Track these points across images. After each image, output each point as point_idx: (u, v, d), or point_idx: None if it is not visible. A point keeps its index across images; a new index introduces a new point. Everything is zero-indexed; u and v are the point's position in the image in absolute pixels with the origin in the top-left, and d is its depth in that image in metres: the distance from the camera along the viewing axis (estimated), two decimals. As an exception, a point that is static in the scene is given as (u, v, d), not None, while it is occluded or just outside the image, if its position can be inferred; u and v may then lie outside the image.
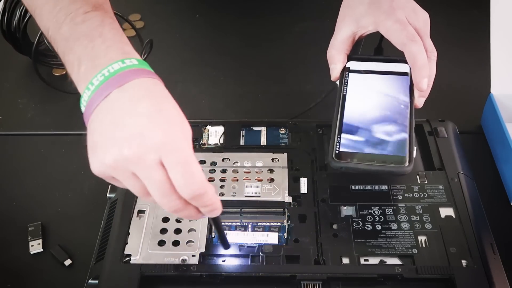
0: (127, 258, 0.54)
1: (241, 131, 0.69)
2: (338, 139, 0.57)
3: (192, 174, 0.45)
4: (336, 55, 0.63)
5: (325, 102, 0.72)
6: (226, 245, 0.54)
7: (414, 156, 0.57)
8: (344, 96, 0.61)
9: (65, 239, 0.63)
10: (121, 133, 0.45)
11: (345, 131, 0.58)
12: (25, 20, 0.80)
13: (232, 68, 0.86)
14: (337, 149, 0.56)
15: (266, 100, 0.81)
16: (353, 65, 0.64)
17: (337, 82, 0.64)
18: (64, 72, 0.86)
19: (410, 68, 0.61)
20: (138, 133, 0.44)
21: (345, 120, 0.59)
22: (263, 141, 0.68)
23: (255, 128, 0.69)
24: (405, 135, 0.57)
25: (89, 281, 0.54)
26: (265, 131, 0.69)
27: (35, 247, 0.62)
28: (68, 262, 0.60)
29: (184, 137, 0.46)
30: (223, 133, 0.68)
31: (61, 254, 0.61)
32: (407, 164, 0.55)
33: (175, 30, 0.94)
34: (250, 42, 0.92)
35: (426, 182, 0.61)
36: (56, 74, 0.86)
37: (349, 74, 0.63)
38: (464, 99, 0.79)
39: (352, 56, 0.64)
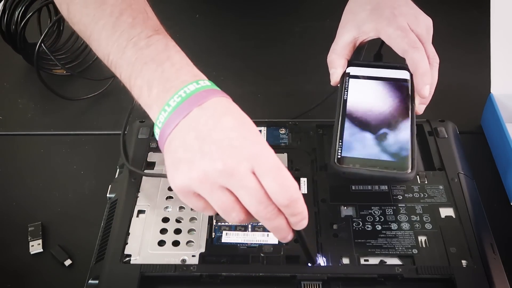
0: (127, 258, 0.54)
1: (241, 131, 0.68)
2: (340, 143, 0.57)
3: (286, 179, 0.46)
4: (337, 60, 0.63)
5: (325, 104, 0.72)
6: (311, 260, 0.53)
7: None
8: (345, 101, 0.61)
9: (65, 239, 0.63)
10: (210, 147, 0.46)
11: (346, 136, 0.58)
12: (24, 21, 0.80)
13: (232, 68, 0.86)
14: (339, 154, 0.56)
15: (266, 100, 0.81)
16: (353, 70, 0.64)
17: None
18: (64, 72, 0.86)
19: (411, 75, 0.61)
20: (228, 145, 0.46)
21: (346, 125, 0.59)
22: (263, 141, 0.68)
23: (255, 128, 0.69)
24: (408, 141, 0.57)
25: (89, 281, 0.54)
26: (265, 131, 0.69)
27: (35, 247, 0.62)
28: (68, 262, 0.60)
29: (268, 146, 0.47)
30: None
31: (61, 254, 0.61)
32: (409, 170, 0.55)
33: (175, 30, 0.93)
34: (250, 42, 0.92)
35: (426, 182, 0.61)
36: (56, 73, 0.85)
37: (349, 79, 0.63)
38: (464, 99, 0.79)
39: (353, 61, 0.64)
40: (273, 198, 0.46)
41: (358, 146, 0.57)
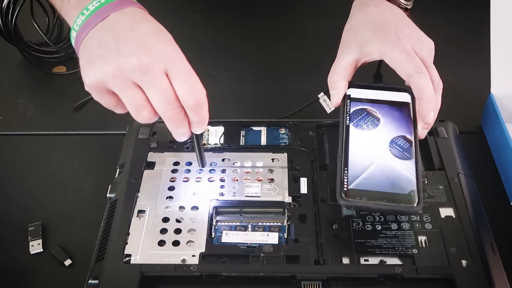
0: (127, 258, 0.54)
1: (241, 131, 0.69)
2: (346, 174, 0.55)
3: (196, 83, 0.50)
4: (338, 81, 0.62)
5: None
6: (202, 164, 0.59)
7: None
8: (348, 127, 0.59)
9: (65, 239, 0.63)
10: (127, 45, 0.49)
11: (351, 166, 0.56)
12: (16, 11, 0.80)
13: (232, 68, 0.86)
14: (345, 186, 0.55)
15: (266, 100, 0.81)
16: (354, 92, 0.62)
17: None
18: (64, 70, 0.86)
19: (413, 99, 0.60)
20: (145, 46, 0.49)
21: (350, 154, 0.57)
22: (263, 141, 0.68)
23: (255, 128, 0.69)
24: (413, 171, 0.55)
25: (89, 281, 0.54)
26: (265, 131, 0.69)
27: (35, 247, 0.62)
28: (68, 262, 0.60)
29: (182, 54, 0.51)
30: (223, 133, 0.68)
31: (61, 254, 0.61)
32: (415, 204, 0.53)
33: (175, 30, 0.93)
34: (250, 42, 0.92)
35: (426, 182, 0.61)
36: (56, 72, 0.86)
37: (351, 103, 0.61)
38: (464, 99, 0.79)
39: (353, 82, 0.63)
40: (182, 100, 0.50)
41: (363, 177, 0.55)
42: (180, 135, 0.53)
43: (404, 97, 0.61)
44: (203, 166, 0.60)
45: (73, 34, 0.53)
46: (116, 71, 0.49)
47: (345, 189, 0.54)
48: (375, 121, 0.60)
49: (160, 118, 0.52)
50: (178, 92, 0.49)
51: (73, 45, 0.53)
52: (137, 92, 0.49)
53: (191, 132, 0.53)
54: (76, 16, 0.51)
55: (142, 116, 0.51)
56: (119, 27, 0.50)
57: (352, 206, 0.55)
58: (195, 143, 0.57)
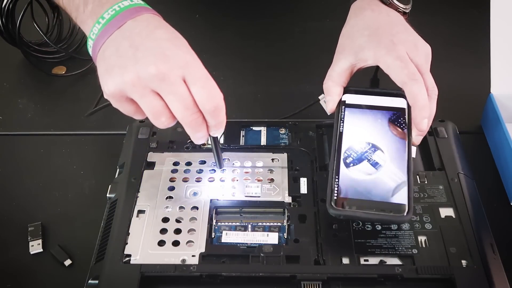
0: (127, 258, 0.54)
1: (241, 131, 0.69)
2: (336, 182, 0.55)
3: (214, 88, 0.51)
4: (333, 87, 0.62)
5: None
6: (220, 165, 0.61)
7: (414, 156, 0.56)
8: (341, 134, 0.59)
9: (65, 239, 0.63)
10: (143, 53, 0.49)
11: (342, 175, 0.56)
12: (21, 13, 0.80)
13: (232, 68, 0.86)
14: (335, 195, 0.54)
15: (266, 100, 0.81)
16: (349, 98, 0.62)
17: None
18: (64, 71, 0.86)
19: (408, 104, 0.59)
20: (161, 53, 0.49)
21: (342, 162, 0.57)
22: (263, 141, 0.68)
23: (255, 128, 0.69)
24: (404, 181, 0.55)
25: (89, 281, 0.54)
26: (265, 131, 0.69)
27: (35, 247, 0.62)
28: (68, 262, 0.60)
29: (198, 59, 0.51)
30: (223, 133, 0.68)
31: (61, 254, 0.61)
32: (405, 213, 0.53)
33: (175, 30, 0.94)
34: (250, 42, 0.92)
35: (426, 182, 0.61)
36: (56, 73, 0.86)
37: (345, 109, 0.61)
38: (464, 99, 0.79)
39: (349, 88, 0.62)
40: (200, 105, 0.50)
41: (354, 185, 0.55)
42: (199, 138, 0.53)
43: (400, 102, 0.61)
44: (220, 167, 0.61)
45: (89, 43, 0.53)
46: (135, 80, 0.49)
47: (335, 198, 0.54)
48: (369, 128, 0.59)
49: (178, 122, 0.52)
50: (196, 97, 0.50)
51: (90, 53, 0.53)
52: (155, 99, 0.50)
53: (209, 134, 0.54)
54: (92, 25, 0.52)
55: (161, 122, 0.51)
56: (135, 35, 0.50)
57: (341, 215, 0.55)
58: (213, 145, 0.58)
